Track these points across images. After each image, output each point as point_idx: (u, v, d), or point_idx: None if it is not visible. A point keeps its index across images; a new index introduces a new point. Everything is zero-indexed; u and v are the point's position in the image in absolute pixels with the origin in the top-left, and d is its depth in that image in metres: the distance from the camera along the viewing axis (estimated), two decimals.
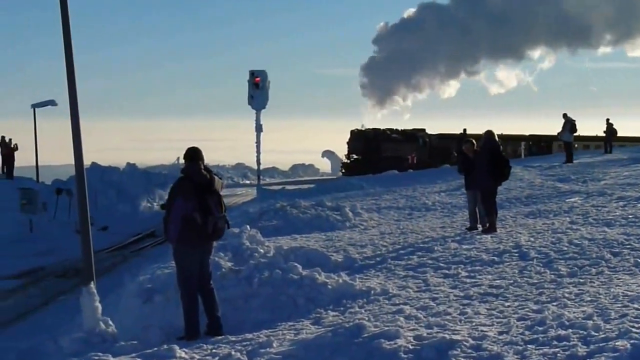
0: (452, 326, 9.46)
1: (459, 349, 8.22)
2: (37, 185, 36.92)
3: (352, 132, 63.83)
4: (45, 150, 38.02)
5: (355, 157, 63.10)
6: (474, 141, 19.32)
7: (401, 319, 10.13)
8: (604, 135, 47.63)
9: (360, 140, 63.05)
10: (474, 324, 9.62)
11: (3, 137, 42.27)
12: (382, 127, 66.00)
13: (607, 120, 45.89)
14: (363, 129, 64.36)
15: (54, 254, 26.98)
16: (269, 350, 9.22)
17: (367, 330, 8.99)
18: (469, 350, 8.21)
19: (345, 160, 64.58)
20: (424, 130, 65.91)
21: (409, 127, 67.27)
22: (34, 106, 38.41)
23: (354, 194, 31.34)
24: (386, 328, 9.15)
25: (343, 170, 63.23)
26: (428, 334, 8.94)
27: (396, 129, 65.63)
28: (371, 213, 24.15)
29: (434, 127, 72.31)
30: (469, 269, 13.59)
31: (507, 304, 10.72)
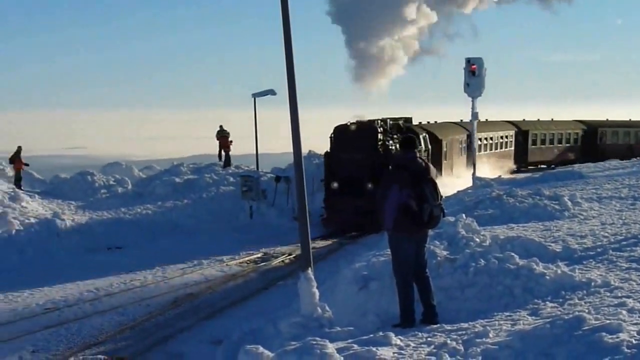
0: None
1: None
2: (257, 172, 38.04)
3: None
4: (264, 138, 38.90)
5: None
6: None
7: (624, 312, 9.76)
8: None
9: None
10: None
11: (221, 127, 43.86)
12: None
13: None
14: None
15: (272, 240, 27.80)
16: (485, 340, 9.12)
17: (588, 323, 8.72)
18: None
19: None
20: (410, 119, 52.45)
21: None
22: (255, 95, 39.47)
23: (572, 183, 30.54)
24: (608, 321, 8.84)
25: None
26: None
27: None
28: (591, 203, 23.42)
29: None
30: None
31: None
